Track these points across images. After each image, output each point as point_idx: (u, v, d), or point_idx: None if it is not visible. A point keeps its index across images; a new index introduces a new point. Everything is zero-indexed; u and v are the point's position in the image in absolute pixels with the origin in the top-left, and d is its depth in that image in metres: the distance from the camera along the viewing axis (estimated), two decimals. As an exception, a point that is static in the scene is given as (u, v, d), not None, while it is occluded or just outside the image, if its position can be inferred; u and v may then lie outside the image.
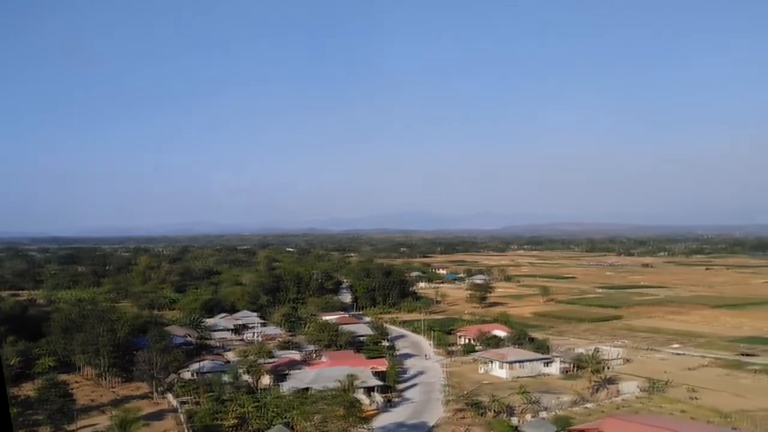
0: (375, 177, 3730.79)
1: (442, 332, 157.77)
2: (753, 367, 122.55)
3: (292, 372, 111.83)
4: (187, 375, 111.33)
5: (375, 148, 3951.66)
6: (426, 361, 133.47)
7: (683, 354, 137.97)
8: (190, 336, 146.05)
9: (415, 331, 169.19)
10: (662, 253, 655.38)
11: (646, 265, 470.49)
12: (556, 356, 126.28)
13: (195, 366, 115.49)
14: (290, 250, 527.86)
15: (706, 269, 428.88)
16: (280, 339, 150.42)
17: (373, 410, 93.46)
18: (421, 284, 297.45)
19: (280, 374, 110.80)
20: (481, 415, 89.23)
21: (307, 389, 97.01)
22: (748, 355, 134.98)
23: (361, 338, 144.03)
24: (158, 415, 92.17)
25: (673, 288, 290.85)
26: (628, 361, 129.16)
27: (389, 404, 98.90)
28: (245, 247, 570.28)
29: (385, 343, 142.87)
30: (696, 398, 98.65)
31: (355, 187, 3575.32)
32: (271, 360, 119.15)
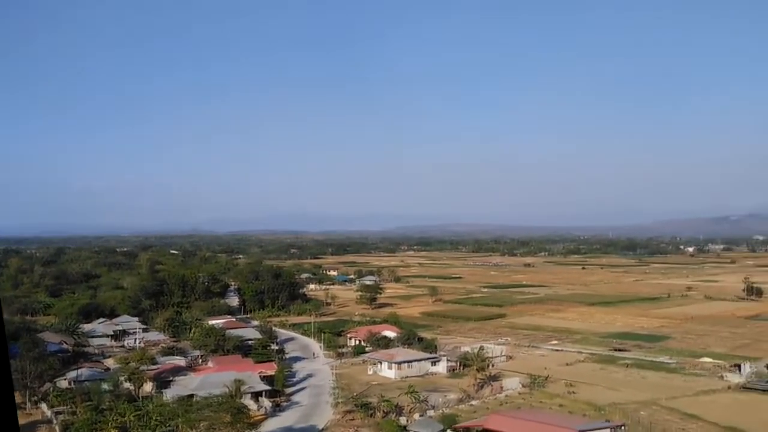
0: (263, 177, 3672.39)
1: (332, 334, 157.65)
2: (624, 362, 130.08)
3: (176, 379, 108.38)
4: (63, 384, 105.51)
5: (263, 147, 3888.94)
6: (315, 363, 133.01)
7: (561, 350, 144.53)
8: (66, 343, 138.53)
9: (305, 333, 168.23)
10: (543, 253, 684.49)
11: (528, 265, 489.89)
12: (443, 355, 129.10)
13: (72, 374, 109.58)
14: (174, 252, 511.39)
15: (583, 268, 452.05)
16: (163, 345, 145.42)
17: (261, 415, 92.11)
18: (312, 286, 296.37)
19: (163, 381, 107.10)
20: (370, 416, 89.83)
21: (192, 396, 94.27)
22: (620, 350, 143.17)
23: (249, 342, 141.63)
24: (30, 427, 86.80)
25: (552, 287, 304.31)
26: (510, 358, 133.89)
27: (278, 409, 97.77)
28: (125, 249, 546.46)
29: (274, 347, 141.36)
30: (573, 392, 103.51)
31: (242, 187, 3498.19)
32: (154, 367, 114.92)
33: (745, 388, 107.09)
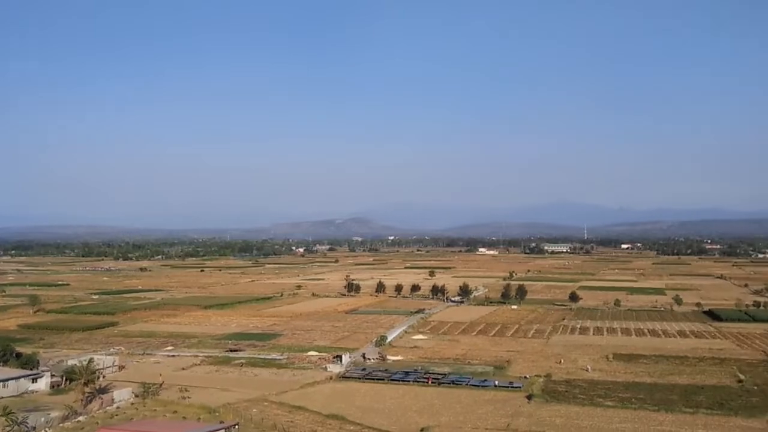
0: None
1: None
2: (238, 362, 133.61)
3: None
4: None
5: None
6: None
7: (177, 355, 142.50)
8: None
9: None
10: (159, 257, 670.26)
11: (143, 269, 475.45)
12: (45, 370, 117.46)
13: None
14: None
15: (201, 271, 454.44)
16: None
17: None
18: None
19: None
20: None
21: None
22: (234, 350, 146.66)
23: None
24: None
25: (169, 291, 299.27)
26: (122, 367, 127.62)
27: None
28: None
29: None
30: (188, 397, 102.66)
31: None
32: None
33: (344, 377, 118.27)
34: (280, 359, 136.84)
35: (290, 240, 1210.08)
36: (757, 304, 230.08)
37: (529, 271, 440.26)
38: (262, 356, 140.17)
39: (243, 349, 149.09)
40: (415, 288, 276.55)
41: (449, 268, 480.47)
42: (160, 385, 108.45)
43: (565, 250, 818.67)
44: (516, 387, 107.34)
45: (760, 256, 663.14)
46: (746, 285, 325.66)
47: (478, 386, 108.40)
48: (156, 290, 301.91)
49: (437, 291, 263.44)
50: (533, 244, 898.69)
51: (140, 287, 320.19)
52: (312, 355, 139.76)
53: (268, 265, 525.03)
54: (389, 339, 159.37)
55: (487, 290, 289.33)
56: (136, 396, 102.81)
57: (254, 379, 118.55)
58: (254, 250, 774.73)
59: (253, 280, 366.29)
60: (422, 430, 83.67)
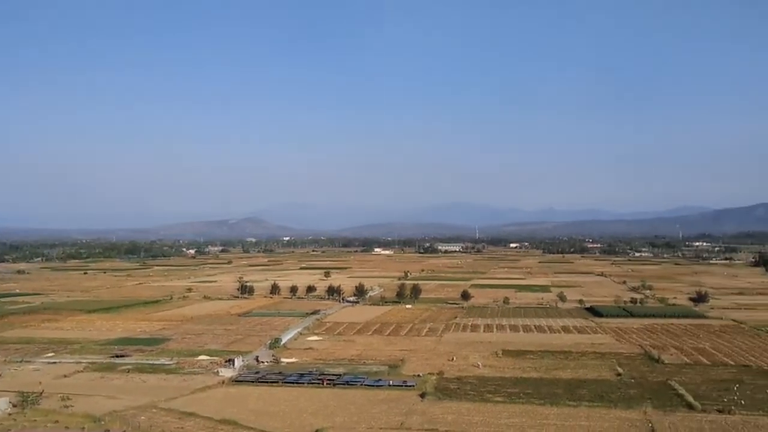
0: None
1: None
2: (125, 368, 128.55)
3: None
4: None
5: None
6: None
7: (58, 362, 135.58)
8: None
9: None
10: (38, 259, 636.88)
11: (21, 272, 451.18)
12: None
13: None
14: None
15: (84, 273, 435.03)
16: None
17: None
18: None
19: None
20: None
21: None
22: (120, 356, 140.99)
23: None
24: None
25: (49, 294, 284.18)
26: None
27: None
28: None
29: None
30: (71, 406, 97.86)
31: None
32: None
33: (237, 381, 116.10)
34: (169, 364, 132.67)
35: (180, 241, 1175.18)
36: (634, 301, 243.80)
37: (423, 270, 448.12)
38: (150, 361, 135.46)
39: (130, 354, 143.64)
40: (310, 289, 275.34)
41: (345, 268, 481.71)
42: (40, 393, 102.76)
43: (457, 250, 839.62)
44: (409, 386, 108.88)
45: (637, 254, 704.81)
46: (624, 282, 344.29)
47: (373, 386, 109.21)
48: (35, 294, 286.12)
49: (333, 291, 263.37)
50: (427, 244, 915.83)
51: (18, 291, 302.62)
52: (203, 360, 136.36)
53: (156, 267, 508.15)
54: (284, 341, 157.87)
55: (382, 290, 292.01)
56: (14, 406, 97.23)
57: (142, 385, 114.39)
58: (142, 251, 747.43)
59: (140, 283, 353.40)
60: (317, 431, 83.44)
